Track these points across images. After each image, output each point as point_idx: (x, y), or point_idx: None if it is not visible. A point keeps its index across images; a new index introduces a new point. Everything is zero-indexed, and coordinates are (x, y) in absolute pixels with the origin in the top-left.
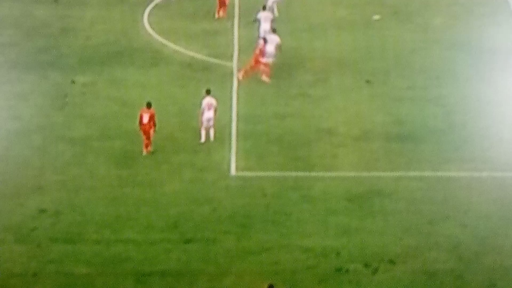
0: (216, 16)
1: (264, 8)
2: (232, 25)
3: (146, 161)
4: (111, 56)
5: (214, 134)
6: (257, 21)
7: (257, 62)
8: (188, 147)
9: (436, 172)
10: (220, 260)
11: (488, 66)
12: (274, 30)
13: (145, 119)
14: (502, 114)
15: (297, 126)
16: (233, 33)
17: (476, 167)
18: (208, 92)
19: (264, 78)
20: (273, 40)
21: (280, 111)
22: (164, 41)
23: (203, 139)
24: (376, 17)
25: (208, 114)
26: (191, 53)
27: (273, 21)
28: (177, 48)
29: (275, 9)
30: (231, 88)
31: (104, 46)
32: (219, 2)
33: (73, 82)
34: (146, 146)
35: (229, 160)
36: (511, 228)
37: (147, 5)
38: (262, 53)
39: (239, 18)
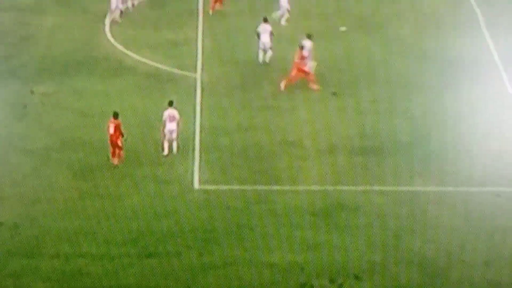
0: (211, 12)
1: (265, 20)
2: (196, 35)
3: (107, 173)
4: (72, 65)
5: (177, 146)
6: (258, 35)
7: (299, 70)
8: (150, 159)
9: (402, 186)
10: (181, 276)
11: (456, 78)
12: (309, 36)
13: (111, 130)
14: (469, 127)
15: (261, 139)
16: (197, 43)
17: (442, 181)
18: (170, 104)
19: (312, 85)
20: (307, 45)
21: (245, 123)
22: (127, 51)
23: (166, 152)
24: (343, 28)
25: (170, 126)
26: (154, 64)
27: (272, 33)
28: (140, 58)
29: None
30: (195, 99)
31: (65, 56)
32: None
33: (32, 92)
34: (117, 156)
35: (192, 173)
36: (478, 243)
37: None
38: (304, 60)
39: (203, 28)
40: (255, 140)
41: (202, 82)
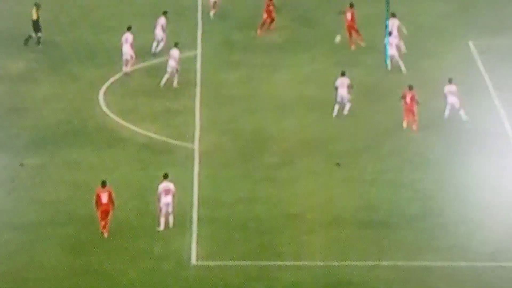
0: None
1: (343, 74)
2: (194, 104)
3: (101, 248)
4: (64, 137)
5: (174, 220)
6: (336, 88)
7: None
8: (145, 233)
9: (411, 262)
10: None
11: (465, 149)
12: (450, 80)
13: (104, 199)
14: (480, 200)
15: (262, 212)
16: (194, 112)
17: (453, 256)
18: (165, 176)
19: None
20: (453, 91)
21: (245, 195)
22: (121, 121)
23: (161, 227)
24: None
25: (166, 200)
26: (150, 134)
27: (350, 86)
28: (135, 128)
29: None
30: (193, 171)
31: (56, 126)
32: (267, 14)
33: (22, 164)
34: (104, 227)
35: (190, 248)
36: None
37: (103, 83)
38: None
39: (201, 97)
40: (256, 213)
41: (200, 153)
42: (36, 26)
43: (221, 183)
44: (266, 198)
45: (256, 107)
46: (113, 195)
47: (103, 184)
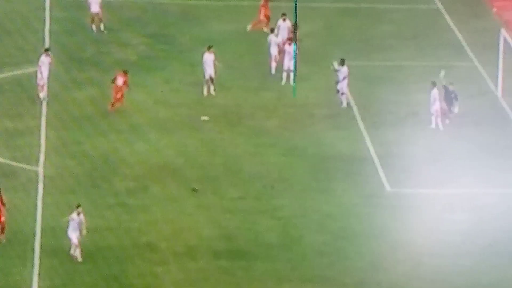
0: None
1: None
2: (39, 124)
3: None
4: None
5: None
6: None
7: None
8: None
9: None
10: None
11: (329, 175)
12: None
13: None
14: (343, 229)
15: (111, 241)
16: (39, 133)
17: (314, 287)
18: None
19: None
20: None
21: (92, 223)
22: None
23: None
24: (204, 118)
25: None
26: None
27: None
28: None
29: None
30: (36, 196)
31: None
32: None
33: None
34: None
35: (31, 280)
36: None
37: None
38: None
39: (47, 117)
40: (104, 242)
41: (44, 177)
42: None
43: (67, 210)
44: (115, 226)
45: (107, 128)
46: (4, 199)
47: None
